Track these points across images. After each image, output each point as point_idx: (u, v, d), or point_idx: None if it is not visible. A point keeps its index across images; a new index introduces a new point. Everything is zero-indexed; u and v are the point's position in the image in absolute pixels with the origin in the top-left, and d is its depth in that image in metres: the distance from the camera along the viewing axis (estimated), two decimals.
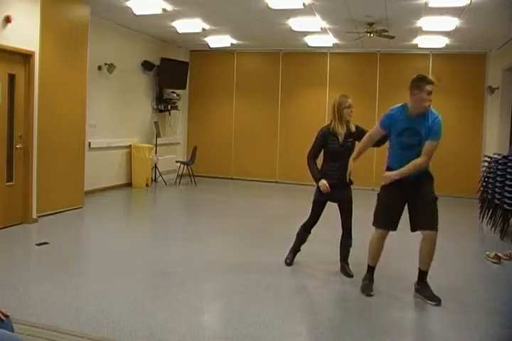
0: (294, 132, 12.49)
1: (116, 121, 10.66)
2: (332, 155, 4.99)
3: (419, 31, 9.59)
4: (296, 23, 9.36)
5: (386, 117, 4.37)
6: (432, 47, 11.18)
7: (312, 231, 5.36)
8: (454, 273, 5.39)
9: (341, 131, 4.97)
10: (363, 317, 4.06)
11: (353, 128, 5.02)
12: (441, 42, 10.48)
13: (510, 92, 10.81)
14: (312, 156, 5.07)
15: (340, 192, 5.02)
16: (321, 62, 12.38)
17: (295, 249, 5.46)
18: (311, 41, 11.05)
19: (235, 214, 8.76)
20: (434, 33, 9.67)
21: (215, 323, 3.98)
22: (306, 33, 10.35)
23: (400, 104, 4.38)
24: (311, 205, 5.20)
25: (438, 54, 11.67)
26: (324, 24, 9.45)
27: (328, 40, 10.98)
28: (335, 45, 11.58)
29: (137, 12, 8.79)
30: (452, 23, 8.72)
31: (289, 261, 5.43)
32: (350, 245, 5.16)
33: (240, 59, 12.97)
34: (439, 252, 6.38)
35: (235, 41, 11.63)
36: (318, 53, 12.28)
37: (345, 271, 5.12)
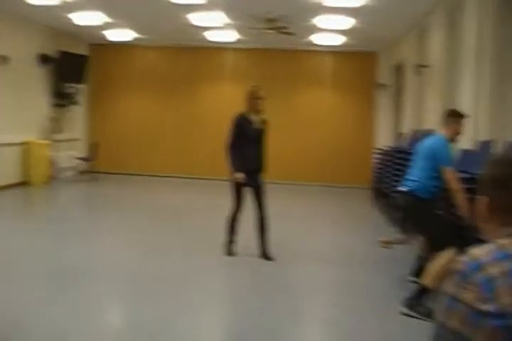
0: (199, 127, 12.57)
1: (10, 117, 10.17)
2: (248, 140, 5.26)
3: (315, 29, 10.03)
4: (197, 18, 9.44)
5: None
6: (329, 45, 11.69)
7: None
8: (350, 259, 5.68)
9: (255, 118, 5.31)
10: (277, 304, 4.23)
11: (264, 117, 5.39)
12: (337, 40, 11.00)
13: (397, 89, 11.55)
14: (232, 144, 5.28)
15: (257, 178, 5.32)
16: (223, 57, 12.56)
17: (231, 241, 5.50)
18: (214, 36, 11.18)
19: (137, 211, 8.45)
20: (330, 31, 10.14)
21: (115, 321, 3.93)
22: (208, 28, 10.46)
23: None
24: (229, 196, 5.37)
25: (334, 51, 12.21)
26: (226, 19, 9.61)
27: (230, 36, 11.16)
28: (237, 41, 11.79)
29: (32, 1, 8.45)
30: (348, 22, 9.20)
31: (232, 252, 5.45)
32: (267, 229, 5.36)
33: (143, 53, 12.82)
34: (337, 239, 6.71)
35: (137, 35, 11.51)
36: (220, 48, 12.42)
37: (265, 254, 5.34)
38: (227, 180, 5.43)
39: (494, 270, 1.26)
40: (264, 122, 5.39)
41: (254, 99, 5.27)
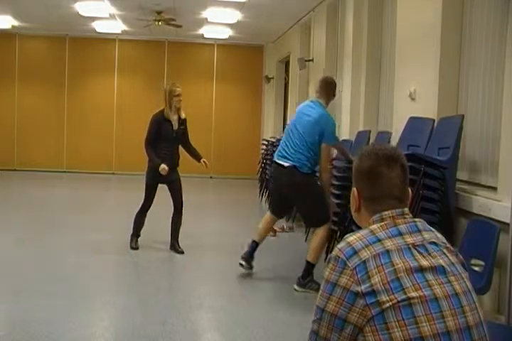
0: (82, 121, 12.21)
1: None
2: (166, 140, 5.23)
3: (204, 22, 10.18)
4: (83, 8, 9.24)
5: None
6: (217, 38, 11.90)
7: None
8: (237, 247, 5.81)
9: (174, 117, 5.25)
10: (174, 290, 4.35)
11: (183, 115, 5.33)
12: (224, 33, 11.23)
13: (283, 82, 12.02)
14: (150, 142, 5.23)
15: (171, 175, 5.27)
16: (109, 48, 12.31)
17: (137, 234, 5.47)
18: (100, 27, 10.97)
19: (24, 208, 8.02)
20: (218, 24, 10.33)
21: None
22: (94, 19, 10.25)
23: None
24: (144, 191, 5.36)
25: (222, 44, 12.42)
26: (113, 10, 9.49)
27: (116, 27, 11.01)
28: (124, 32, 11.64)
29: None
30: (235, 16, 9.45)
31: (135, 246, 5.42)
32: (180, 223, 5.41)
33: (23, 43, 12.17)
34: (225, 229, 6.86)
35: (16, 23, 10.97)
36: (106, 39, 12.16)
37: (176, 248, 5.36)
38: (140, 176, 5.33)
39: (366, 253, 1.42)
40: (183, 122, 5.33)
41: (173, 97, 5.18)
